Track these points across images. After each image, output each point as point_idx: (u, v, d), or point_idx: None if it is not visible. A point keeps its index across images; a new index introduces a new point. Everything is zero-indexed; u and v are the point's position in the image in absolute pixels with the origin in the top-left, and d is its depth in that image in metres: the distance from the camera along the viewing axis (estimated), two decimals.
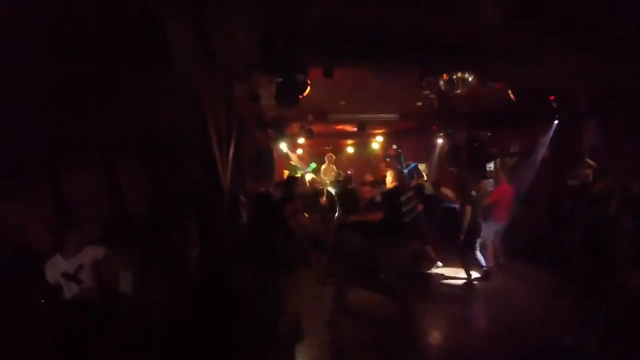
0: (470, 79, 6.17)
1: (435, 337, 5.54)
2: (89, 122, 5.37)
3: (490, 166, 11.59)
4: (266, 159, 9.87)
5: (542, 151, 8.81)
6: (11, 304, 4.45)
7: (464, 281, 7.14)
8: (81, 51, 4.36)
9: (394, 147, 12.77)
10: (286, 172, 11.56)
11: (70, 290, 4.60)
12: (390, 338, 5.36)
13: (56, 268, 4.57)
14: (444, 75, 6.12)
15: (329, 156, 12.30)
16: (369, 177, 9.42)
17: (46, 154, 5.51)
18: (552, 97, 7.32)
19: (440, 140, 12.58)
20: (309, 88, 6.09)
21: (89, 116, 5.27)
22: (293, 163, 11.87)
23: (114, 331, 4.49)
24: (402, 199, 6.68)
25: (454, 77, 6.07)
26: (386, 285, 5.95)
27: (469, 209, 7.04)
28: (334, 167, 12.20)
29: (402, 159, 12.01)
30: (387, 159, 12.22)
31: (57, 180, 5.76)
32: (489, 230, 7.62)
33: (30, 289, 4.58)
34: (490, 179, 10.90)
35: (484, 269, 7.29)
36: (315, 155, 13.13)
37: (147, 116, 5.46)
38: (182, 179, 6.20)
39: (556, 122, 7.68)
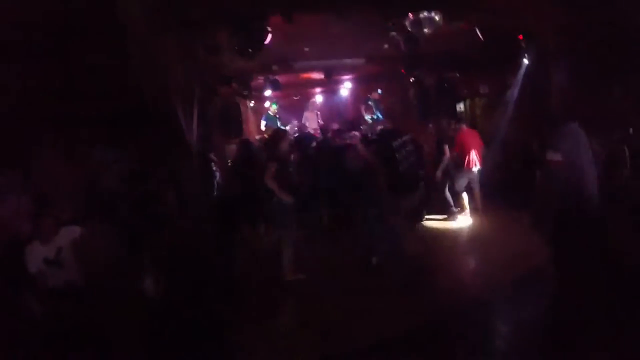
0: (437, 18, 6.00)
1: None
2: (55, 104, 5.13)
3: (460, 107, 11.57)
4: (233, 114, 9.62)
5: (511, 92, 8.75)
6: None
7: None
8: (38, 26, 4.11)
9: (379, 91, 12.59)
10: (263, 123, 11.36)
11: (54, 276, 4.49)
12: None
13: (36, 255, 4.46)
14: (410, 14, 5.92)
15: (311, 102, 12.09)
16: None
17: (15, 138, 5.25)
18: (520, 37, 7.20)
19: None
20: (270, 36, 5.85)
21: (55, 97, 5.03)
22: (271, 114, 11.60)
23: (104, 313, 4.43)
24: (395, 144, 6.38)
25: (420, 16, 5.88)
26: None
27: (447, 147, 7.08)
28: (318, 113, 12.08)
29: (374, 103, 11.94)
30: (369, 102, 12.07)
31: (28, 164, 5.55)
32: (464, 179, 7.63)
33: (15, 282, 4.47)
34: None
35: (452, 208, 7.48)
36: (283, 106, 12.90)
37: (107, 89, 5.24)
38: (152, 147, 6.00)
39: (525, 62, 7.57)
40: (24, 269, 4.38)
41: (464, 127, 7.82)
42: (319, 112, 12.12)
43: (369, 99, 12.25)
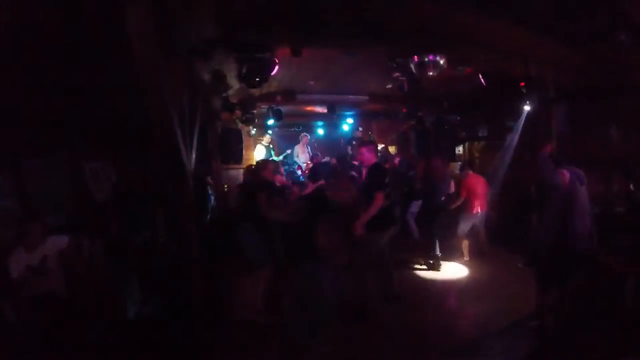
0: (441, 62, 6.10)
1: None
2: (52, 116, 5.17)
3: (459, 149, 11.66)
4: (233, 141, 9.65)
5: (511, 136, 8.83)
6: None
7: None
8: (42, 43, 4.20)
9: (360, 129, 12.75)
10: (255, 155, 11.41)
11: (37, 284, 4.42)
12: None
13: (20, 262, 4.39)
14: (415, 57, 6.02)
15: (303, 136, 12.16)
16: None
17: (7, 148, 5.26)
18: (522, 84, 7.32)
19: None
20: (277, 67, 5.93)
21: (52, 109, 5.07)
22: (265, 144, 11.67)
23: (84, 324, 4.36)
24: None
25: (425, 59, 5.98)
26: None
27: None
28: (308, 148, 12.15)
29: (372, 140, 11.98)
30: (353, 142, 12.18)
31: (18, 172, 5.54)
32: (467, 224, 7.61)
33: None
34: (458, 162, 10.98)
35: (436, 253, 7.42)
36: (285, 137, 12.99)
37: (108, 105, 5.28)
38: (146, 166, 6.00)
39: (526, 108, 7.67)
40: (5, 274, 4.33)
41: (471, 172, 7.85)
42: (309, 147, 12.23)
43: (354, 138, 12.38)
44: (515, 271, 6.87)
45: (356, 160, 11.03)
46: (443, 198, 7.75)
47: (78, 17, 4.01)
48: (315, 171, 9.11)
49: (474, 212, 7.49)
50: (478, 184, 7.66)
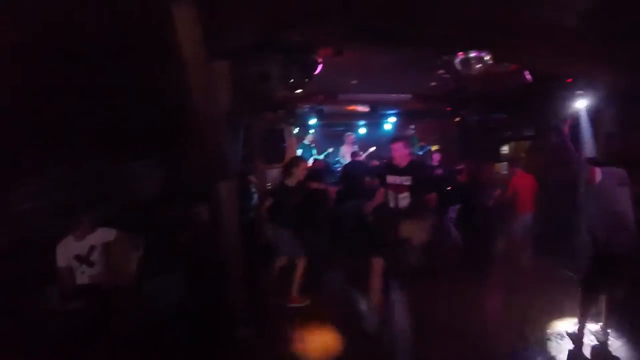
0: (486, 58, 5.96)
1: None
2: (100, 115, 5.36)
3: (505, 149, 11.36)
4: (276, 140, 9.76)
5: (557, 136, 8.54)
6: (24, 288, 4.48)
7: None
8: (88, 41, 4.33)
9: (412, 127, 12.49)
10: (299, 152, 11.48)
11: (83, 274, 4.60)
12: None
13: (68, 250, 4.59)
14: (460, 54, 5.91)
15: (347, 136, 12.11)
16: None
17: (59, 141, 5.49)
18: (569, 80, 7.07)
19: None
20: (319, 67, 5.94)
21: (101, 106, 5.25)
22: (307, 143, 11.72)
23: (124, 317, 4.49)
24: None
25: (470, 56, 5.86)
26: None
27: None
28: (356, 147, 11.98)
29: (416, 141, 11.83)
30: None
31: (69, 164, 5.77)
32: (517, 225, 7.38)
33: (42, 274, 4.60)
34: (505, 162, 10.69)
35: None
36: (326, 136, 12.98)
37: (156, 103, 5.42)
38: (191, 164, 6.13)
39: (574, 106, 7.40)
40: (52, 263, 4.50)
41: (519, 170, 7.65)
42: (356, 147, 12.10)
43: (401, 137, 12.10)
44: (560, 279, 6.56)
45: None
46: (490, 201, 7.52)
47: (124, 18, 4.12)
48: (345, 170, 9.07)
49: (520, 213, 7.25)
50: (526, 183, 7.41)
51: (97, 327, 4.26)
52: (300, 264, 5.93)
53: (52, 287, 4.67)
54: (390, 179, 5.61)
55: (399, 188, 5.51)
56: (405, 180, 5.48)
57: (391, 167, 5.68)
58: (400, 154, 5.58)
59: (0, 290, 4.47)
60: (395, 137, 7.11)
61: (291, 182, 6.19)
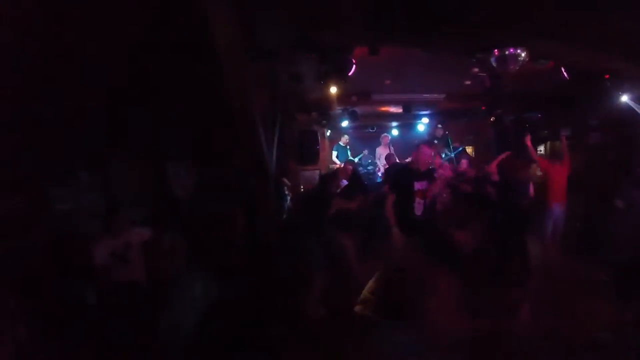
0: (522, 55, 5.87)
1: None
2: (136, 116, 5.49)
3: (541, 149, 11.12)
4: (310, 142, 9.83)
5: (596, 135, 8.32)
6: (60, 287, 4.59)
7: None
8: (127, 46, 4.45)
9: (439, 127, 12.35)
10: (334, 154, 11.53)
11: (118, 271, 4.71)
12: None
13: (104, 247, 4.69)
14: (495, 51, 5.84)
15: (383, 137, 12.07)
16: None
17: (96, 143, 5.65)
18: (607, 76, 6.88)
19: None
20: (354, 67, 5.97)
21: (136, 110, 5.39)
22: (342, 144, 11.76)
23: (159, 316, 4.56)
24: None
25: (506, 53, 5.78)
26: None
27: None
28: (391, 148, 11.92)
29: (450, 141, 11.69)
30: (435, 142, 11.85)
31: (106, 166, 5.92)
32: (548, 221, 7.16)
33: (78, 273, 4.70)
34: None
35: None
36: (359, 138, 12.99)
37: (191, 105, 5.53)
38: (227, 165, 6.23)
39: (612, 104, 7.19)
40: (89, 260, 4.61)
41: (557, 162, 7.43)
42: (391, 148, 12.02)
43: (434, 138, 11.99)
44: (594, 283, 6.32)
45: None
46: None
47: (164, 19, 4.22)
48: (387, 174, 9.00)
49: (552, 205, 7.06)
50: (561, 174, 7.22)
51: (133, 325, 4.34)
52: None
53: (89, 284, 4.78)
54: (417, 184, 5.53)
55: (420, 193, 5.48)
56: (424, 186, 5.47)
57: (415, 172, 5.59)
58: (426, 158, 5.54)
59: (41, 286, 4.60)
60: (423, 141, 7.03)
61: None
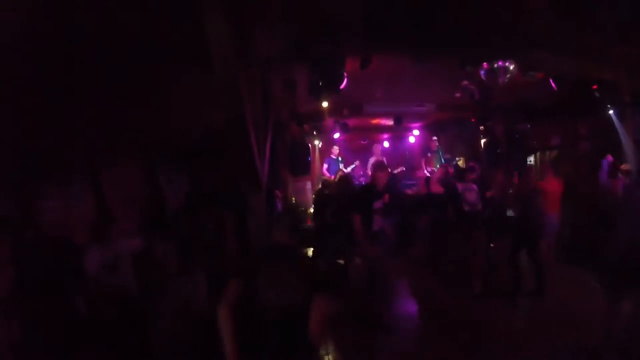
0: (511, 67, 5.98)
1: None
2: (130, 122, 5.48)
3: (531, 160, 11.25)
4: (301, 153, 9.88)
5: (585, 145, 8.43)
6: (51, 298, 4.55)
7: None
8: (123, 49, 4.46)
9: (434, 139, 12.45)
10: (325, 166, 11.56)
11: (109, 282, 4.69)
12: None
13: (94, 260, 4.66)
14: (485, 64, 5.94)
15: (376, 146, 12.13)
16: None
17: (87, 153, 5.64)
18: (594, 87, 7.00)
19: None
20: (345, 80, 6.03)
21: (130, 116, 5.39)
22: (334, 157, 11.80)
23: (150, 325, 4.55)
24: None
25: (495, 65, 5.88)
26: None
27: None
28: (384, 159, 11.94)
29: (441, 153, 11.78)
30: (428, 154, 11.93)
31: (97, 175, 5.90)
32: (550, 230, 7.18)
33: (70, 284, 4.66)
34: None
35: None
36: (350, 150, 13.06)
37: (185, 113, 5.54)
38: (219, 174, 6.23)
39: (599, 114, 7.30)
40: (80, 270, 4.59)
41: (550, 174, 7.49)
42: (384, 159, 12.08)
43: (428, 150, 12.12)
44: (586, 290, 6.32)
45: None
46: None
47: (157, 25, 4.24)
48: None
49: (547, 214, 7.13)
50: (554, 186, 7.30)
51: (123, 334, 4.32)
52: None
53: (79, 293, 4.75)
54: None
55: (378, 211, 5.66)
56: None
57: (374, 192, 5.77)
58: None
59: (29, 293, 4.56)
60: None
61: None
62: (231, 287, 2.86)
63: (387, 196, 5.64)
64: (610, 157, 6.65)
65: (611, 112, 7.08)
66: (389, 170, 10.31)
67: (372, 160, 11.81)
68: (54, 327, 4.17)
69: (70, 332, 4.22)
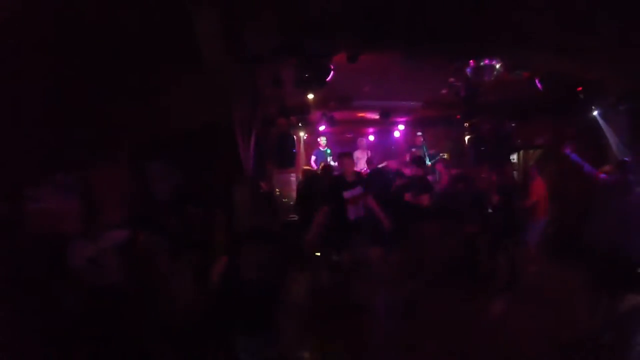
0: (497, 66, 6.01)
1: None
2: (118, 118, 5.43)
3: (514, 158, 11.36)
4: (288, 146, 9.85)
5: (568, 144, 8.52)
6: (39, 290, 4.51)
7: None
8: (112, 46, 4.41)
9: (419, 134, 12.50)
10: (313, 158, 11.53)
11: (95, 276, 4.64)
12: None
13: (80, 252, 4.61)
14: (471, 62, 5.96)
15: (360, 141, 12.13)
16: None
17: (74, 143, 5.57)
18: (579, 89, 7.08)
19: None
20: (332, 73, 6.01)
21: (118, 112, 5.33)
22: (322, 149, 11.78)
23: (138, 318, 4.52)
24: None
25: (482, 64, 5.91)
26: None
27: None
28: (368, 152, 11.94)
29: (425, 149, 11.84)
30: (413, 149, 11.98)
31: (84, 170, 5.84)
32: (536, 232, 7.36)
33: (56, 275, 4.62)
34: (515, 171, 10.69)
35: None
36: (336, 142, 13.04)
37: (172, 107, 5.49)
38: (206, 166, 6.19)
39: (584, 114, 7.39)
40: (65, 264, 4.54)
41: (538, 175, 7.58)
42: (369, 152, 12.10)
43: (412, 147, 12.18)
44: (573, 285, 6.48)
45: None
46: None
47: (147, 20, 4.20)
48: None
49: (541, 217, 7.24)
50: (542, 190, 7.40)
51: (110, 329, 4.29)
52: None
53: (66, 287, 4.71)
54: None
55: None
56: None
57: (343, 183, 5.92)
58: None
59: (15, 287, 4.51)
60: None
61: None
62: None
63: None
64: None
65: (596, 112, 7.14)
66: (373, 164, 10.45)
67: (356, 153, 11.84)
68: (41, 322, 4.14)
69: (58, 327, 4.20)
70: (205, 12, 3.99)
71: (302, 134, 11.83)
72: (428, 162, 11.12)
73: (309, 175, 8.45)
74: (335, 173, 7.48)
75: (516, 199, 7.03)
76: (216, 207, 6.04)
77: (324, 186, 6.72)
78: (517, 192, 7.25)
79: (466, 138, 12.03)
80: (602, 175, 6.11)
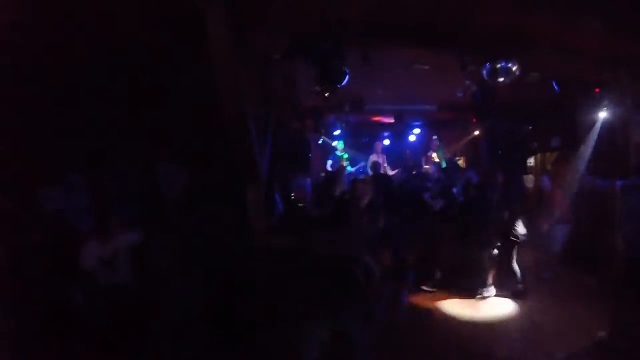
0: (513, 68, 5.96)
1: None
2: (127, 116, 5.49)
3: (531, 161, 11.23)
4: (302, 149, 9.86)
5: (585, 147, 8.41)
6: (47, 290, 4.56)
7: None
8: (122, 48, 4.46)
9: (435, 137, 12.40)
10: (329, 163, 11.53)
11: (106, 277, 4.69)
12: None
13: (92, 253, 4.66)
14: (487, 64, 5.92)
15: (377, 145, 12.09)
16: None
17: (86, 144, 5.63)
18: (597, 90, 6.99)
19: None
20: (347, 77, 6.01)
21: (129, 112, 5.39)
22: (339, 153, 11.77)
23: (150, 319, 4.55)
24: None
25: (497, 66, 5.87)
26: None
27: None
28: (384, 156, 11.72)
29: (442, 152, 11.75)
30: (428, 153, 11.89)
31: (96, 167, 5.89)
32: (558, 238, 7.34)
33: (67, 275, 4.67)
34: (530, 175, 10.56)
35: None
36: (351, 146, 13.01)
37: (183, 106, 5.53)
38: (219, 169, 6.22)
39: (601, 116, 7.29)
40: (77, 264, 4.57)
41: (547, 179, 7.53)
42: (385, 157, 12.03)
43: (429, 150, 12.07)
44: (586, 290, 6.36)
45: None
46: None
47: (159, 21, 4.25)
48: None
49: (561, 225, 7.18)
50: (560, 197, 7.33)
51: (120, 328, 4.33)
52: None
53: (78, 286, 4.74)
54: None
55: None
56: None
57: None
58: None
59: (29, 284, 4.55)
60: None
61: None
62: None
63: None
64: None
65: (613, 114, 7.05)
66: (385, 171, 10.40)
67: (372, 157, 11.79)
68: (51, 320, 4.19)
69: (67, 326, 4.24)
70: (215, 10, 4.01)
71: (319, 138, 11.83)
72: (444, 165, 11.06)
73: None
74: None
75: (523, 208, 6.91)
76: (228, 209, 6.06)
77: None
78: (523, 201, 7.15)
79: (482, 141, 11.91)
80: (619, 183, 5.99)
